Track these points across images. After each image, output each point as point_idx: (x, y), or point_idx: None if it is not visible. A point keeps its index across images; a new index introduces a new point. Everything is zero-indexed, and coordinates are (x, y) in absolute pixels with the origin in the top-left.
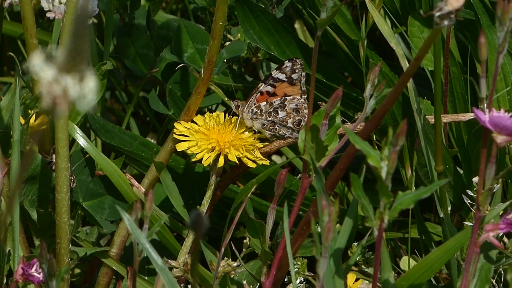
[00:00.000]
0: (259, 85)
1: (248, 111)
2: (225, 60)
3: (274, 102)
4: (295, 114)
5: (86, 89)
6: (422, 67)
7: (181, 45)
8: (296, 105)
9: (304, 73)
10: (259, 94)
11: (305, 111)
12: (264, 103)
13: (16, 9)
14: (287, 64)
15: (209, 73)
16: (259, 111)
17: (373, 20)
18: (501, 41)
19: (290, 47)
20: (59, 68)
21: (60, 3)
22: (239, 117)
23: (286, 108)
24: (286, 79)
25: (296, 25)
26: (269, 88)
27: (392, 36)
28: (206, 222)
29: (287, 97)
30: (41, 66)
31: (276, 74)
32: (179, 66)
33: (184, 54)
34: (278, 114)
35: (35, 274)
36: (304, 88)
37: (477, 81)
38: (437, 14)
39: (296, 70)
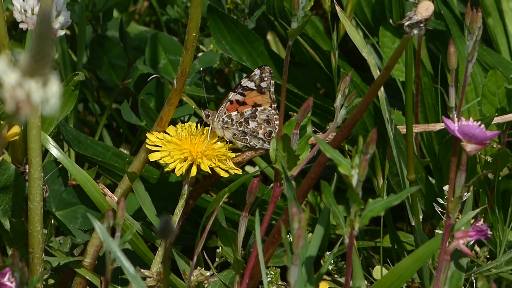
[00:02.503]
0: (229, 93)
1: (219, 120)
2: (201, 69)
3: (245, 112)
4: (266, 125)
5: (50, 93)
6: (393, 78)
7: (154, 56)
8: (267, 116)
9: (273, 81)
10: (228, 103)
11: (276, 122)
12: (235, 112)
13: None
14: (256, 72)
15: (182, 84)
16: (229, 120)
17: (345, 30)
18: (470, 50)
19: (262, 57)
20: (23, 72)
21: (32, 14)
22: (211, 126)
23: (257, 118)
24: (255, 88)
25: (269, 37)
26: (239, 97)
27: (363, 45)
28: (175, 227)
29: (258, 108)
30: (4, 70)
31: (245, 82)
32: (152, 77)
33: (157, 65)
34: (249, 125)
35: (8, 283)
36: (274, 96)
37: (448, 91)
38: (407, 23)
39: (265, 78)
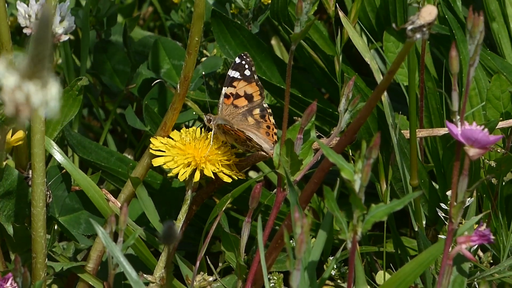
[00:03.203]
0: (222, 89)
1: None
2: (203, 73)
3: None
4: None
5: (49, 96)
6: (398, 82)
7: (158, 61)
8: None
9: (254, 68)
10: (224, 98)
11: (271, 119)
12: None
13: None
14: (237, 60)
15: (185, 88)
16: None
17: (348, 35)
18: (472, 54)
19: (266, 62)
20: (22, 75)
21: (36, 19)
22: (213, 131)
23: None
24: (241, 77)
25: (273, 42)
26: (231, 89)
27: (366, 50)
28: (178, 233)
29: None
30: (3, 73)
31: (232, 73)
32: (155, 81)
33: (161, 70)
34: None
35: None
36: (260, 83)
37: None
38: (410, 27)
39: (246, 66)
